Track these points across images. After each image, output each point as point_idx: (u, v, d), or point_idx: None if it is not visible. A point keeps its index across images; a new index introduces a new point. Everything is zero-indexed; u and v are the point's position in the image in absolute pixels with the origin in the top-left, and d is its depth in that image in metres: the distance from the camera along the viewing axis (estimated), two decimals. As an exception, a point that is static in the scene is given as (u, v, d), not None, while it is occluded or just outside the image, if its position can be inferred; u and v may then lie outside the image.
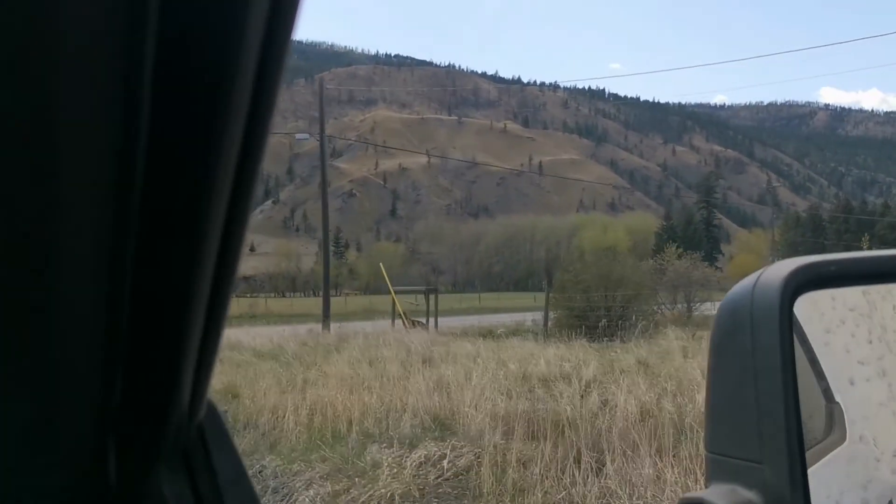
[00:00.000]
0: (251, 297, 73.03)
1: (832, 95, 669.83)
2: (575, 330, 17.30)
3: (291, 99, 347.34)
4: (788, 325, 1.02)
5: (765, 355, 1.01)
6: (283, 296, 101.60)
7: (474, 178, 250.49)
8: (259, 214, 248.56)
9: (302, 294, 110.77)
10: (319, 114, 25.48)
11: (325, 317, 24.93)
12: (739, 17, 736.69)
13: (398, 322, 22.56)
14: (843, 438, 1.18)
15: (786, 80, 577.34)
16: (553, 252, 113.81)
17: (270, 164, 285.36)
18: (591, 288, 20.17)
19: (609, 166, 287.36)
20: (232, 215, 0.56)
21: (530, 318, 23.33)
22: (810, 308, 1.12)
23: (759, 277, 1.08)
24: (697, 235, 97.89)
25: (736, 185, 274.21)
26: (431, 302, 25.26)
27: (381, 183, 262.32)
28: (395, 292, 24.49)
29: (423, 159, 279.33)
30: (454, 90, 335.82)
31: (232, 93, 0.50)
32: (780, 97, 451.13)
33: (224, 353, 13.13)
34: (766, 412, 0.99)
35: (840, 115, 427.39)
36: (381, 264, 29.98)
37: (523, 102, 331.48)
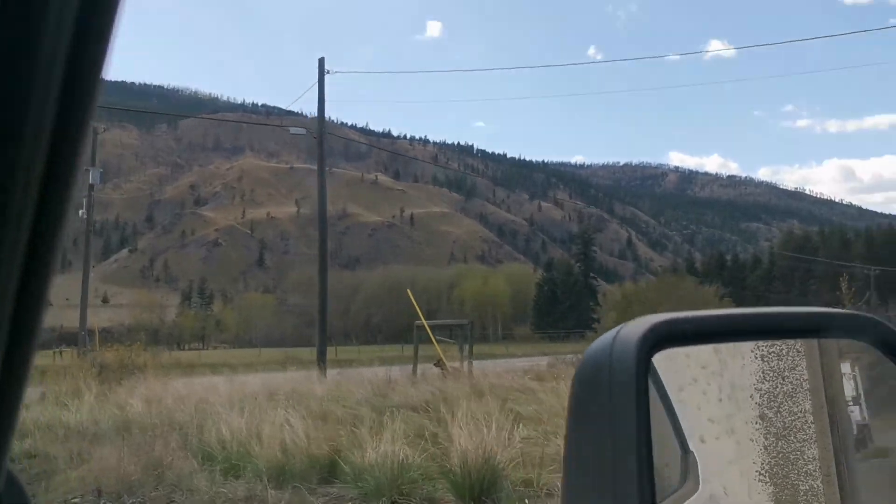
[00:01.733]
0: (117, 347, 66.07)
1: (680, 159, 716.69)
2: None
3: (152, 145, 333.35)
4: (644, 380, 1.05)
5: (621, 408, 1.03)
6: (178, 347, 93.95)
7: (345, 228, 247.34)
8: (113, 264, 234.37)
9: (200, 346, 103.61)
10: (319, 106, 22.25)
11: (322, 361, 21.30)
12: (594, 82, 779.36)
13: (422, 366, 19.59)
14: (696, 487, 1.23)
15: (637, 143, 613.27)
16: (434, 303, 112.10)
17: (128, 211, 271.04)
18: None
19: (478, 220, 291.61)
20: (33, 266, 0.52)
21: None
22: (667, 364, 1.17)
23: (618, 332, 1.11)
24: (577, 286, 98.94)
25: (598, 241, 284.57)
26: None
27: (248, 232, 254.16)
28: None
29: (293, 209, 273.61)
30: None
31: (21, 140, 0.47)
32: (634, 159, 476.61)
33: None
34: (620, 464, 1.01)
35: (689, 177, 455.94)
36: (408, 291, 26.84)
37: (394, 155, 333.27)
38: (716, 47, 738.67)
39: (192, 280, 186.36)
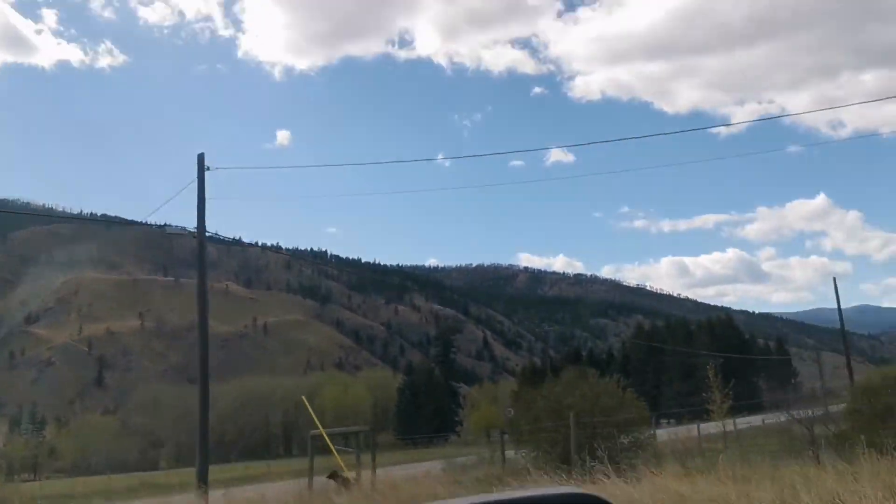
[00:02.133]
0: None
1: (529, 259, 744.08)
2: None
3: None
4: None
5: None
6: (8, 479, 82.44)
7: (194, 340, 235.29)
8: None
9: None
10: (199, 206, 19.91)
11: (204, 482, 18.08)
12: (444, 187, 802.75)
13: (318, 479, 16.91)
14: None
15: (489, 246, 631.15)
16: (293, 414, 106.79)
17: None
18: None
19: (335, 326, 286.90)
20: None
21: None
22: None
23: None
24: (439, 390, 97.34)
25: (456, 342, 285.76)
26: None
27: (86, 350, 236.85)
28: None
29: (135, 323, 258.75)
30: (170, 250, 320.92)
31: None
32: (486, 260, 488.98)
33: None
34: None
35: (538, 276, 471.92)
36: (303, 398, 24.22)
37: (245, 263, 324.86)
38: (555, 154, 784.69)
39: (22, 404, 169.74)
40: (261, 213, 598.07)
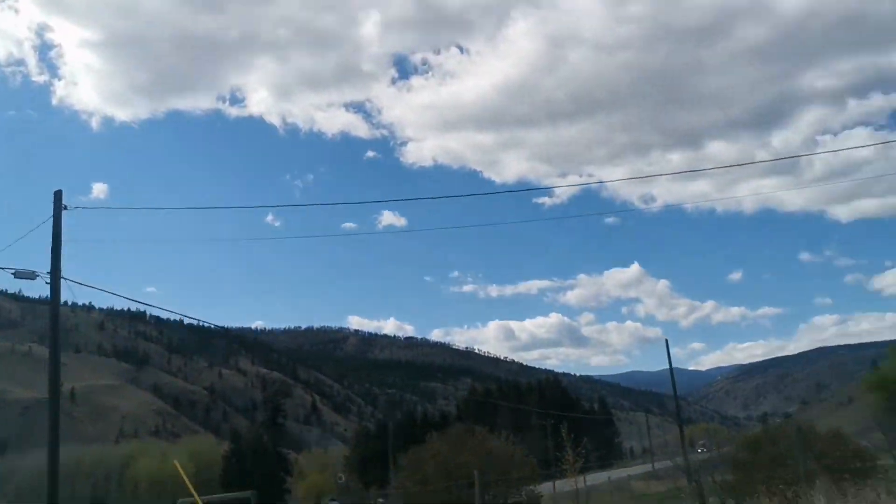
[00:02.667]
0: None
1: (359, 323, 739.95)
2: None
3: None
4: None
5: None
6: None
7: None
8: None
9: None
10: (53, 246, 17.10)
11: None
12: (271, 247, 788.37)
13: None
14: None
15: (317, 308, 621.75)
16: (102, 487, 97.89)
17: None
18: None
19: (152, 391, 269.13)
20: None
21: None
22: None
23: None
24: (268, 457, 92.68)
25: (283, 406, 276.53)
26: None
27: None
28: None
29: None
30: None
31: None
32: (315, 323, 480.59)
33: None
34: None
35: (369, 340, 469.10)
36: (175, 462, 20.96)
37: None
38: (388, 218, 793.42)
39: None
40: (74, 271, 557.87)
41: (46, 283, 17.79)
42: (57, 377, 18.01)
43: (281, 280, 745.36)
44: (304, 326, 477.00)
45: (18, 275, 17.67)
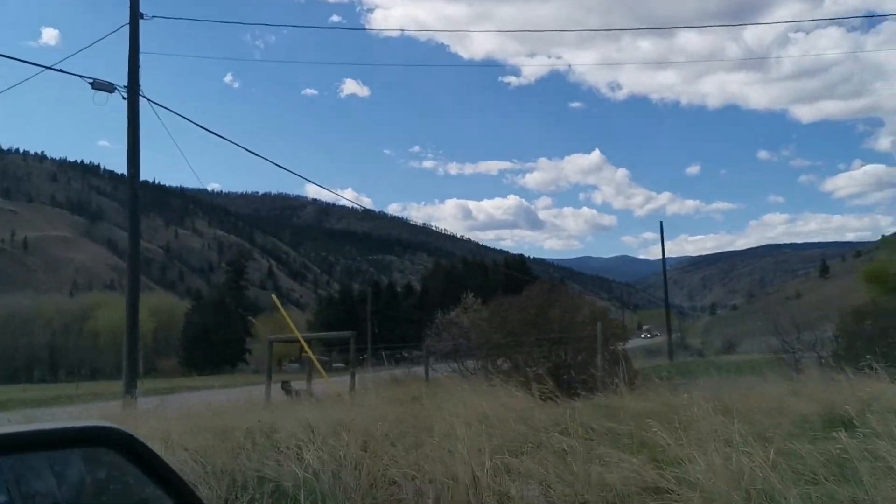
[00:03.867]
0: None
1: (317, 191, 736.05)
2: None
3: None
4: None
5: None
6: None
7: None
8: None
9: None
10: (131, 57, 15.94)
11: (132, 386, 15.22)
12: (230, 108, 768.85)
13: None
14: None
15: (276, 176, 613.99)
16: (61, 338, 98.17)
17: None
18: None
19: (106, 246, 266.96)
20: None
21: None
22: None
23: None
24: (231, 318, 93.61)
25: (246, 270, 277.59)
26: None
27: None
28: None
29: None
30: None
31: None
32: (273, 189, 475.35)
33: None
34: None
35: (326, 209, 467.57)
36: (273, 296, 20.78)
37: (3, 172, 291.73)
38: (351, 87, 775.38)
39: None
40: (25, 116, 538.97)
41: (123, 97, 16.68)
42: (136, 225, 17.21)
43: (239, 142, 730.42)
44: (261, 192, 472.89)
45: (97, 85, 16.44)
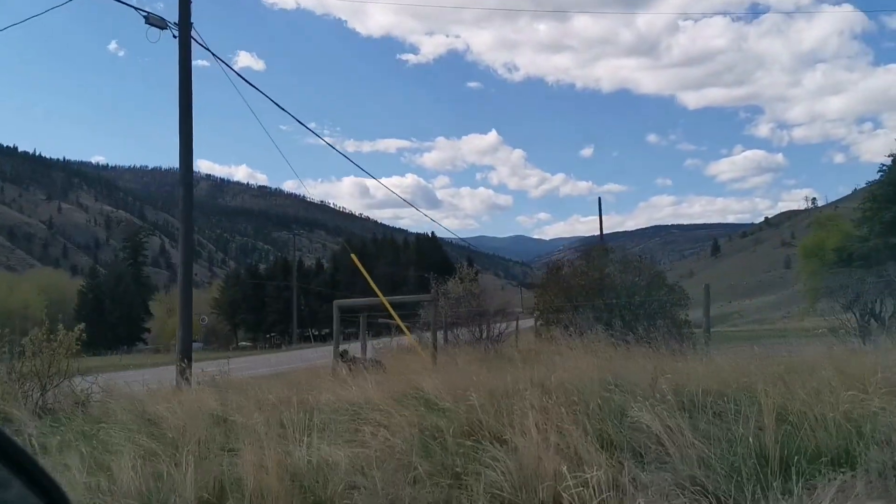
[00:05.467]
0: None
1: (209, 167, 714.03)
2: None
3: None
4: None
5: None
6: None
7: None
8: None
9: None
10: None
11: (187, 358, 14.22)
12: (115, 79, 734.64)
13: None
14: None
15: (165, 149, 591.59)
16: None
17: None
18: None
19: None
20: None
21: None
22: None
23: None
24: (129, 295, 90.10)
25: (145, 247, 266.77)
26: None
27: None
28: None
29: None
30: None
31: None
32: (163, 164, 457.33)
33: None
34: None
35: (220, 185, 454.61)
36: (353, 256, 18.39)
37: None
38: (245, 59, 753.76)
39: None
40: None
41: (174, 35, 15.39)
42: (190, 195, 15.94)
43: (126, 114, 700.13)
44: (150, 166, 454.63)
45: (151, 20, 15.10)
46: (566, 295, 16.28)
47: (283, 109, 39.17)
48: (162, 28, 15.06)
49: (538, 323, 20.11)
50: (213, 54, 15.58)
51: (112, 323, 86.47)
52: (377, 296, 15.87)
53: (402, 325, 17.55)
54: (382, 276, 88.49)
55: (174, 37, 15.12)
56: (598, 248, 25.26)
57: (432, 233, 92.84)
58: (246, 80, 16.58)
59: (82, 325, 11.90)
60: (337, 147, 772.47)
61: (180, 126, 15.60)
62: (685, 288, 20.99)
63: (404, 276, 74.34)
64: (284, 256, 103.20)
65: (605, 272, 16.72)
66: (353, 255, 18.21)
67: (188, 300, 15.95)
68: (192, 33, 15.33)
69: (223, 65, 16.62)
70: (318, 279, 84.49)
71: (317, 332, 66.72)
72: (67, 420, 8.59)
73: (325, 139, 62.92)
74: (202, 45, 15.51)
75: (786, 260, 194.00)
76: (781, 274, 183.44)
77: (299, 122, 30.13)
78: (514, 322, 24.49)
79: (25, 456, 1.47)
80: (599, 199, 58.01)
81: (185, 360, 14.24)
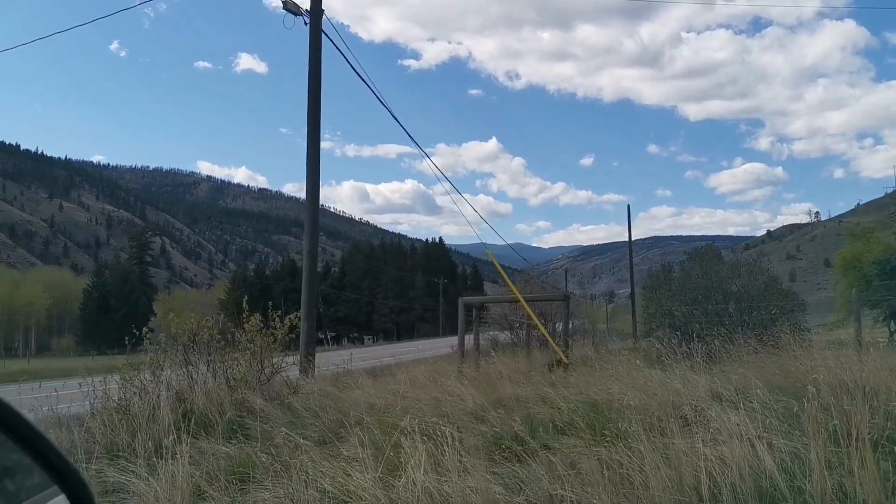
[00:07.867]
0: None
1: (210, 169, 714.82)
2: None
3: None
4: None
5: None
6: None
7: None
8: None
9: None
10: None
11: (311, 354, 14.32)
12: (115, 80, 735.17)
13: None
14: None
15: (168, 150, 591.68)
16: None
17: None
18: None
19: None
20: None
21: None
22: None
23: None
24: (134, 293, 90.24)
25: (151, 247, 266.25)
26: None
27: None
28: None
29: None
30: None
31: None
32: (164, 164, 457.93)
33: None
34: None
35: (221, 187, 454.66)
36: (488, 252, 18.34)
37: None
38: (247, 62, 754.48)
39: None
40: None
41: (305, 23, 15.53)
42: (316, 184, 15.76)
43: (128, 116, 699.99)
44: (152, 167, 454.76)
45: (287, 5, 15.27)
46: (679, 299, 16.21)
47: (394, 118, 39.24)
48: (296, 15, 15.28)
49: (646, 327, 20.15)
50: (336, 46, 15.58)
51: (116, 322, 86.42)
52: (472, 295, 16.11)
53: (538, 323, 17.72)
54: (390, 280, 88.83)
55: (305, 24, 15.33)
56: (709, 250, 25.31)
57: (440, 238, 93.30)
58: (363, 80, 16.45)
59: (297, 314, 11.89)
60: (337, 151, 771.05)
61: (308, 109, 15.80)
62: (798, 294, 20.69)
63: (412, 280, 74.47)
64: (292, 258, 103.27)
65: (720, 275, 16.64)
66: (488, 252, 18.35)
67: (312, 294, 15.92)
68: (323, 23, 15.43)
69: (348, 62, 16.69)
70: (325, 282, 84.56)
71: (322, 335, 66.64)
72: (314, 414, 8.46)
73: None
74: (328, 37, 15.73)
75: (791, 273, 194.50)
76: (789, 287, 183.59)
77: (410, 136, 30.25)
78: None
79: (24, 422, 1.42)
80: (629, 206, 59.34)
81: (309, 356, 14.49)
